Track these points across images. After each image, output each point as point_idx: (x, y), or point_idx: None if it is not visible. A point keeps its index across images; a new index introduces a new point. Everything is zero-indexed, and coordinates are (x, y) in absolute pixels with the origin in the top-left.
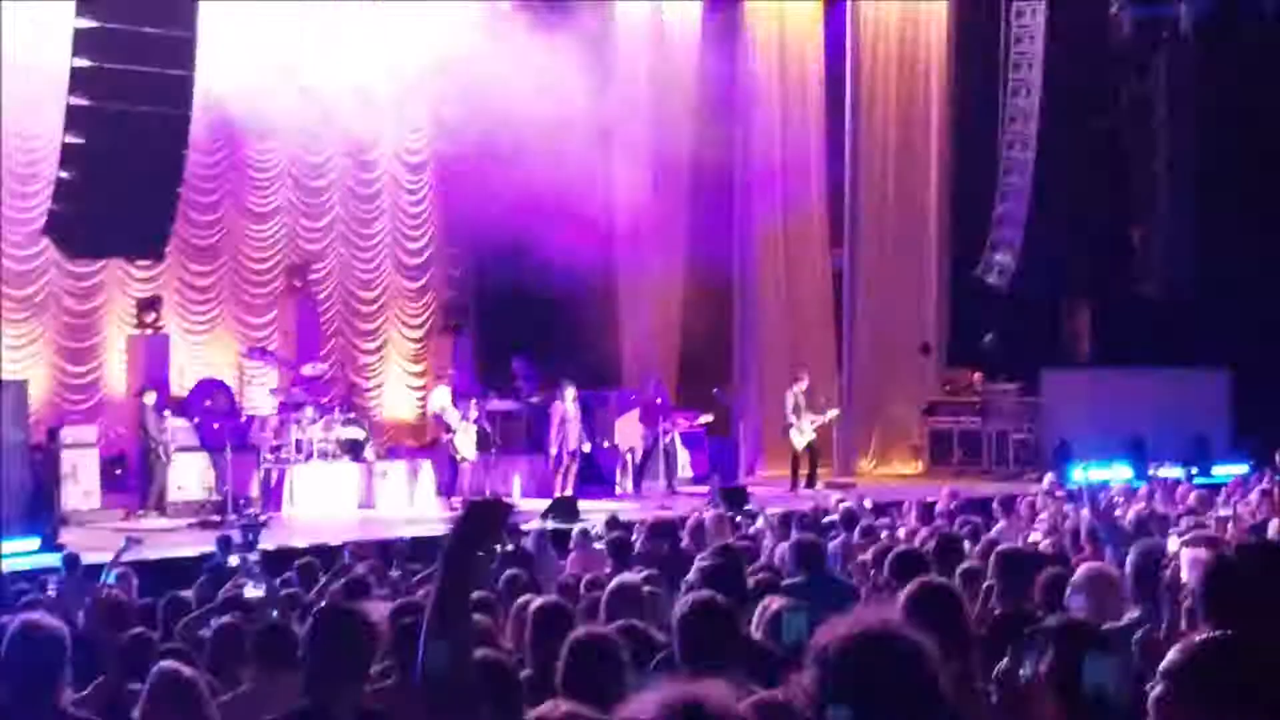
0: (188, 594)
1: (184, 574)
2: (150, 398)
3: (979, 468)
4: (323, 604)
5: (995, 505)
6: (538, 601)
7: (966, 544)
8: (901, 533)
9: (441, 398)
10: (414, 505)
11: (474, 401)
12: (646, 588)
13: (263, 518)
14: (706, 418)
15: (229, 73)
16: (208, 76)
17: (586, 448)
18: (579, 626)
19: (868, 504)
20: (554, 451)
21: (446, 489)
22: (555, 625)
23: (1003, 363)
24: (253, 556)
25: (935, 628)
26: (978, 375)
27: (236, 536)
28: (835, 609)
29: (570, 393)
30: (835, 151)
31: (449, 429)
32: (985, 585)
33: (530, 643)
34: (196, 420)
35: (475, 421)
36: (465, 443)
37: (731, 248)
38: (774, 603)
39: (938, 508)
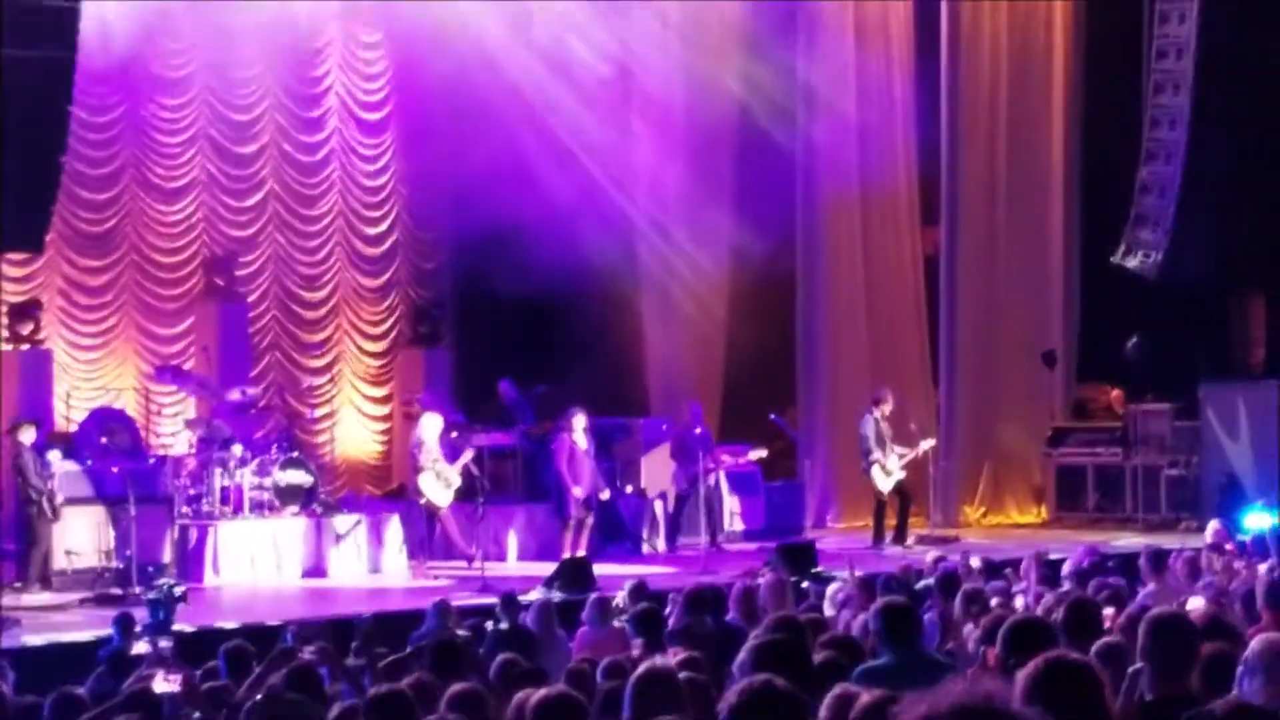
0: (81, 690)
1: (76, 664)
2: (27, 434)
3: (1120, 514)
4: (259, 697)
5: (1142, 563)
6: (541, 693)
7: (1108, 612)
8: (1019, 601)
9: (430, 428)
10: (378, 571)
11: (456, 435)
12: (684, 674)
13: (178, 590)
14: (759, 453)
15: (126, 2)
16: (99, 7)
17: (605, 495)
18: None
19: (975, 563)
20: (578, 491)
21: (420, 548)
22: None
23: (1151, 375)
24: (164, 641)
25: (1067, 715)
26: (1117, 393)
27: (143, 615)
28: None
29: (581, 422)
30: (928, 100)
31: (417, 466)
32: (1132, 670)
33: None
34: (90, 462)
35: (466, 466)
36: (433, 485)
37: (793, 230)
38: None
39: (1066, 567)
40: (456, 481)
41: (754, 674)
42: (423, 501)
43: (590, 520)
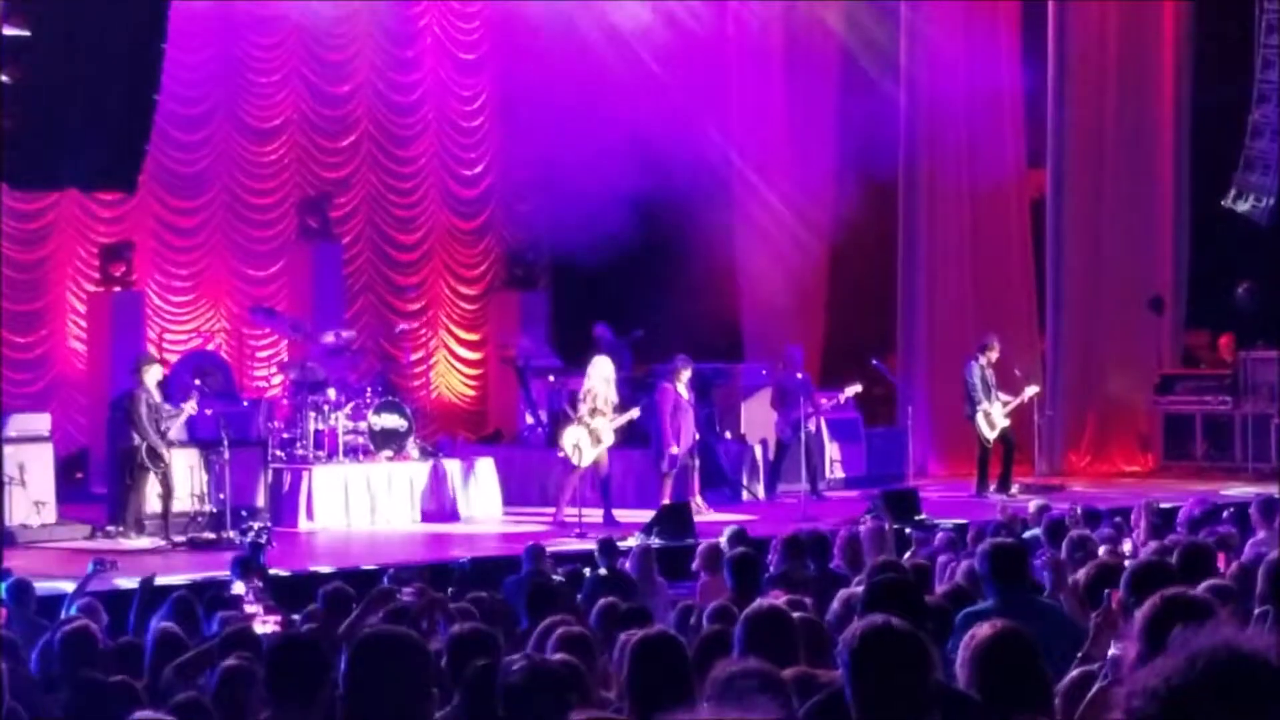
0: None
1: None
2: (151, 374)
3: (1229, 463)
4: (366, 631)
5: (1253, 512)
6: (641, 633)
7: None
8: (1127, 547)
9: (601, 375)
10: (473, 516)
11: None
12: (797, 614)
13: (262, 536)
14: (854, 388)
15: None
16: None
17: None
18: (715, 662)
19: (1080, 511)
20: (675, 450)
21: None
22: (666, 664)
23: (1262, 321)
24: (258, 583)
25: None
26: (1226, 339)
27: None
28: (1048, 640)
29: (686, 374)
30: (1034, 41)
31: (570, 412)
32: (1257, 613)
33: (629, 686)
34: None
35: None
36: (584, 442)
37: (895, 173)
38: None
39: (1179, 516)
40: (609, 440)
41: (870, 615)
42: (561, 455)
43: (695, 464)
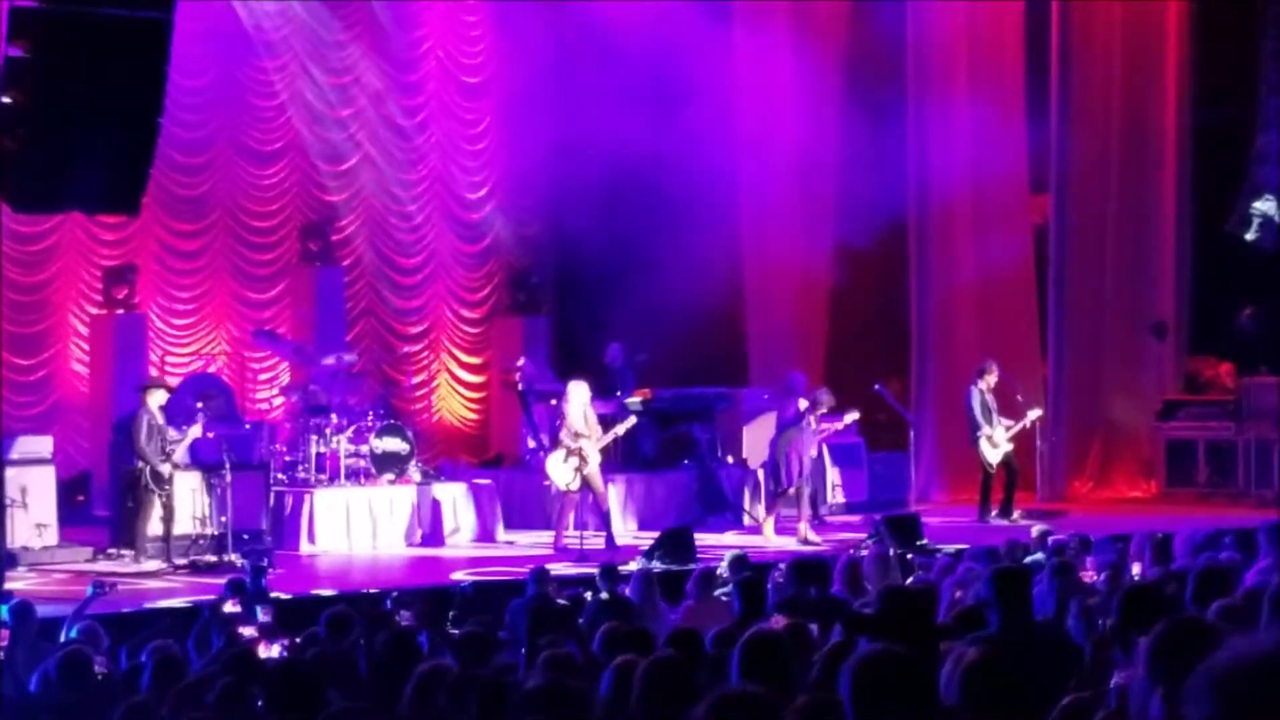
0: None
1: (167, 631)
2: (154, 398)
3: (1233, 489)
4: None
5: (1261, 537)
6: (651, 658)
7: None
8: (1136, 569)
9: (578, 397)
10: (474, 540)
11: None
12: (831, 641)
13: (264, 560)
14: (852, 415)
15: None
16: None
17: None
18: (713, 688)
19: (1079, 539)
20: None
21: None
22: (672, 689)
23: (1265, 348)
24: (259, 606)
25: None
26: (1228, 366)
27: (248, 580)
28: (1048, 666)
29: (805, 401)
30: (1037, 66)
31: (554, 440)
32: None
33: (640, 710)
34: (185, 428)
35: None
36: (559, 467)
37: (904, 198)
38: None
39: (1177, 542)
40: (596, 460)
41: (874, 644)
42: (546, 483)
43: (807, 489)
